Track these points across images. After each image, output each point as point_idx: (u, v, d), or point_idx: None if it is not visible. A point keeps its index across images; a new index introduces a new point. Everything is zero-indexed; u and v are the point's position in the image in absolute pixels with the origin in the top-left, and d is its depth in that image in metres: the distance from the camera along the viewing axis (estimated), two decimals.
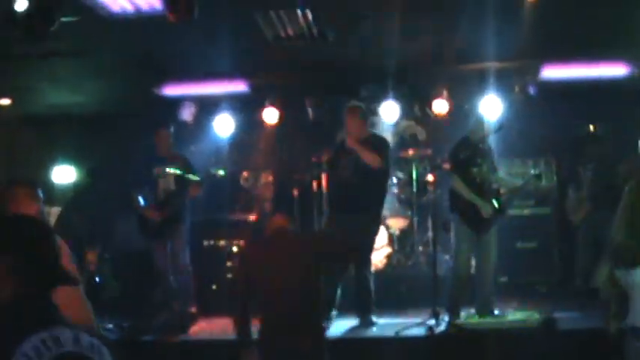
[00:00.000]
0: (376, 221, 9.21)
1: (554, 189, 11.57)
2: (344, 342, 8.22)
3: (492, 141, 9.81)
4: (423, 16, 8.87)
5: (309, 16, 8.61)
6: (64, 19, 7.89)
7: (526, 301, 9.76)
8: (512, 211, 10.97)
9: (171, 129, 9.85)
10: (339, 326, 8.77)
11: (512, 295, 10.11)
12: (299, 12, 8.47)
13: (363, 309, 8.92)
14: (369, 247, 9.06)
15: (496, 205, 8.77)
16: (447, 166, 9.37)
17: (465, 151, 8.80)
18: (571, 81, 11.29)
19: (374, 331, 8.67)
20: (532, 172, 10.42)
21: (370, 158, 8.71)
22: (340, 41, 9.55)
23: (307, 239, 7.00)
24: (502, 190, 9.09)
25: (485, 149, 8.98)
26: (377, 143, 9.08)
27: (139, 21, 8.18)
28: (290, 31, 9.11)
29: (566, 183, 10.61)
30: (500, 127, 9.37)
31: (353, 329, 8.78)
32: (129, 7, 7.87)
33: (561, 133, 11.53)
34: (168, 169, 9.35)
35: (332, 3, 8.38)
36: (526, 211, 11.15)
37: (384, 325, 8.78)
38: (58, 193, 12.35)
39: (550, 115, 11.37)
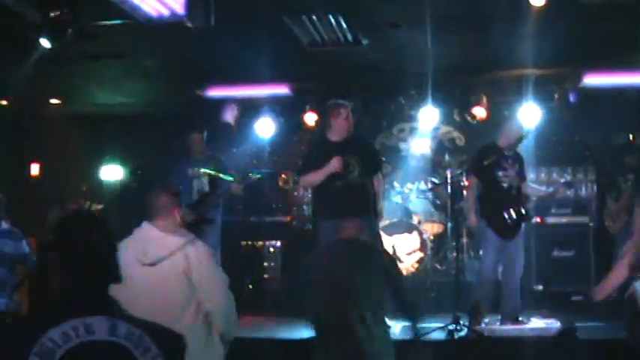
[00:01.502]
0: (375, 221, 8.89)
1: (592, 198, 11.54)
2: None
3: (528, 148, 9.87)
4: (456, 25, 8.93)
5: (343, 22, 8.75)
6: (105, 23, 8.20)
7: (559, 310, 9.71)
8: (549, 220, 11.01)
9: (204, 132, 9.97)
10: None
11: (546, 303, 10.10)
12: (332, 18, 8.62)
13: None
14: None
15: (523, 211, 8.79)
16: (464, 183, 9.49)
17: (491, 156, 8.84)
18: (612, 89, 11.22)
19: (394, 333, 8.68)
20: (562, 180, 10.39)
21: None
22: (375, 47, 9.67)
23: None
24: (530, 198, 9.10)
25: (512, 155, 8.99)
26: (365, 146, 8.88)
27: (181, 25, 8.32)
28: (325, 37, 9.26)
29: (604, 192, 10.56)
30: (527, 135, 9.37)
31: None
32: (165, 12, 8.02)
33: (601, 141, 11.50)
34: (202, 170, 9.54)
35: (364, 11, 8.47)
36: (564, 220, 11.07)
37: (406, 328, 8.81)
38: (106, 190, 12.67)
39: (590, 123, 11.35)
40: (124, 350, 2.76)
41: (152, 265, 5.13)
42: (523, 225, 9.03)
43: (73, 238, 2.93)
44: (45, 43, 7.47)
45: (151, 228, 5.31)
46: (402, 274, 7.19)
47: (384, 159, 9.58)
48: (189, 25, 7.18)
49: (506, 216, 8.67)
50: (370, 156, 8.74)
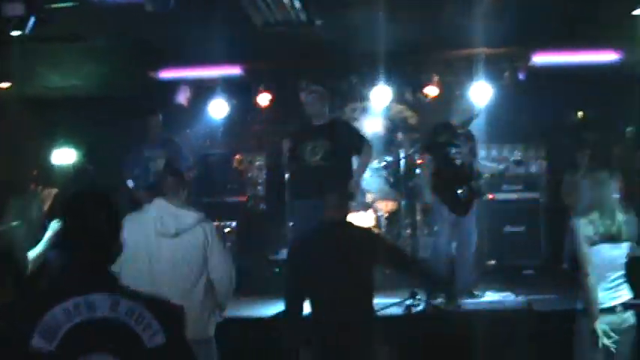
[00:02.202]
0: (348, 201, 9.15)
1: (542, 174, 11.75)
2: None
3: (480, 126, 10.02)
4: (408, 4, 9.03)
5: (296, 2, 8.79)
6: (60, 5, 8.14)
7: (513, 284, 9.89)
8: (500, 196, 11.23)
9: (160, 115, 10.01)
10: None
11: (499, 278, 10.28)
12: None
13: None
14: None
15: (475, 188, 8.94)
16: (419, 161, 9.65)
17: (445, 134, 8.98)
18: (561, 67, 11.37)
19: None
20: (512, 158, 10.55)
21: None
22: (329, 27, 9.71)
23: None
24: (482, 174, 9.25)
25: (465, 133, 9.14)
26: (340, 130, 9.15)
27: (133, 7, 8.29)
28: (278, 17, 9.29)
29: (562, 168, 10.76)
30: (478, 114, 9.51)
31: None
32: None
33: (552, 119, 11.68)
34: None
35: None
36: (514, 196, 11.28)
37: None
38: (58, 174, 12.56)
39: (540, 101, 11.49)
40: (125, 327, 2.81)
41: (174, 236, 5.81)
42: (475, 201, 9.20)
43: (86, 216, 2.96)
44: None
45: (167, 204, 5.92)
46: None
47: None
48: (149, 8, 7.16)
49: (459, 192, 8.83)
50: (345, 139, 8.97)
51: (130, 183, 9.72)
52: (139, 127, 9.97)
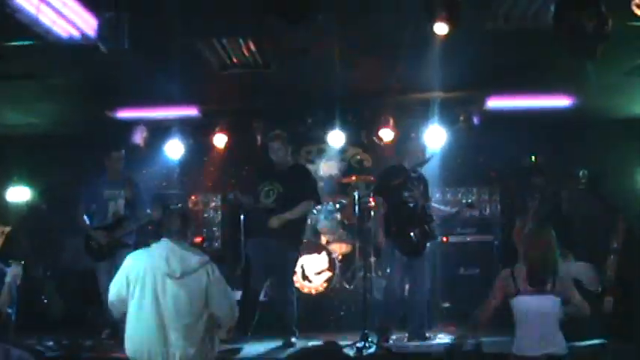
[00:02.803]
0: (296, 246, 9.39)
1: (496, 217, 11.86)
2: None
3: (435, 169, 10.13)
4: (363, 51, 9.13)
5: (252, 46, 8.88)
6: (16, 43, 8.15)
7: (466, 326, 9.92)
8: (454, 239, 11.31)
9: (123, 152, 9.99)
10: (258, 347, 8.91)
11: (453, 320, 10.32)
12: (241, 42, 8.75)
13: (284, 330, 9.08)
14: (289, 271, 9.26)
15: (428, 230, 9.03)
16: (372, 203, 9.76)
17: (397, 177, 9.08)
18: (515, 111, 11.49)
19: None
20: (464, 201, 10.66)
21: (301, 212, 9.17)
22: (284, 70, 9.80)
23: None
24: (434, 217, 9.33)
25: (418, 177, 9.24)
26: (303, 174, 9.50)
27: (89, 46, 8.30)
28: (235, 60, 9.37)
29: (512, 211, 10.86)
30: (431, 158, 9.61)
31: (274, 350, 8.86)
32: (75, 33, 8.00)
33: (506, 162, 11.81)
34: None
35: (272, 36, 8.58)
36: (469, 239, 11.35)
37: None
38: (11, 212, 12.48)
39: (494, 144, 11.62)
40: None
41: (179, 278, 6.15)
42: (428, 244, 9.27)
43: None
44: None
45: (173, 245, 6.28)
46: None
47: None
48: (102, 48, 7.20)
49: (412, 235, 8.91)
50: (300, 187, 9.20)
51: (86, 220, 9.64)
52: (98, 164, 9.91)
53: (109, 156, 9.87)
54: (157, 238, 6.58)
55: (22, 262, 7.76)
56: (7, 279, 6.50)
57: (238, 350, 8.60)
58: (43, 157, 12.14)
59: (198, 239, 11.55)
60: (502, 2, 7.66)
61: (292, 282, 9.37)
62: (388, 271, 9.47)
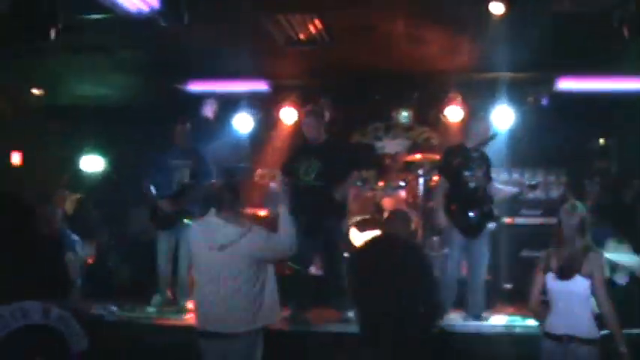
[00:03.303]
0: (341, 220, 9.47)
1: (560, 200, 11.72)
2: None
3: (501, 150, 10.07)
4: (428, 27, 9.11)
5: (317, 22, 8.93)
6: (87, 17, 8.35)
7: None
8: (519, 220, 11.20)
9: (189, 125, 10.15)
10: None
11: (515, 301, 10.27)
12: (306, 18, 8.81)
13: (339, 306, 9.08)
14: (338, 245, 9.29)
15: (487, 211, 8.98)
16: (434, 183, 9.73)
17: (458, 156, 9.04)
18: (585, 93, 11.32)
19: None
20: (527, 182, 10.52)
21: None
22: (351, 47, 9.83)
23: None
24: (496, 198, 9.27)
25: (480, 156, 9.17)
26: (336, 150, 9.31)
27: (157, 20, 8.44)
28: (302, 36, 9.44)
29: (572, 195, 10.74)
30: (493, 137, 9.53)
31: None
32: (144, 7, 8.15)
33: (574, 145, 11.66)
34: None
35: (340, 12, 8.62)
36: (533, 221, 11.25)
37: None
38: (84, 181, 12.81)
39: (563, 126, 11.47)
40: (57, 333, 2.96)
41: (220, 250, 6.41)
42: (489, 225, 9.24)
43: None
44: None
45: (218, 219, 6.57)
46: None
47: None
48: (162, 23, 7.33)
49: (471, 215, 8.87)
50: (339, 161, 9.11)
51: (153, 190, 9.84)
52: (165, 135, 10.11)
53: (176, 128, 10.05)
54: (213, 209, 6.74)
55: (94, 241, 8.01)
56: (79, 252, 6.69)
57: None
58: (115, 128, 12.38)
59: (263, 212, 11.62)
60: None
61: (342, 257, 9.33)
62: (446, 250, 9.47)
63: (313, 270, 9.51)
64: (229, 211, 6.60)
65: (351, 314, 8.91)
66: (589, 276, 6.16)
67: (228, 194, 6.65)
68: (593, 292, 6.18)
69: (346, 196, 9.09)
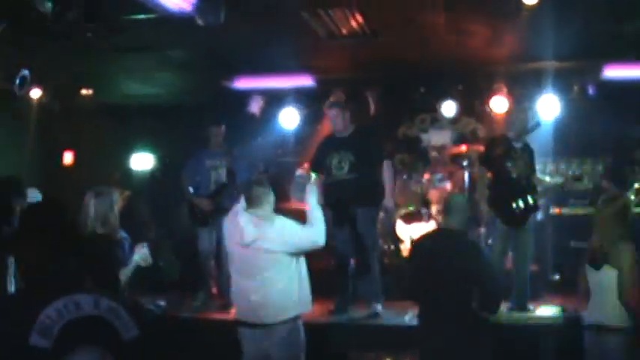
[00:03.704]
0: (376, 212, 9.49)
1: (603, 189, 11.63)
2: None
3: (547, 140, 10.04)
4: (471, 18, 9.10)
5: (359, 16, 8.97)
6: (132, 17, 8.50)
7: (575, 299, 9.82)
8: (567, 211, 11.17)
9: (223, 127, 10.29)
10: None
11: (562, 293, 10.22)
12: (347, 12, 8.85)
13: (370, 298, 9.19)
14: (373, 238, 9.35)
15: (530, 201, 8.95)
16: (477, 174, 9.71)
17: (500, 147, 9.03)
18: (633, 82, 11.20)
19: (405, 319, 8.85)
20: (571, 173, 10.48)
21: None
22: (394, 40, 9.86)
23: None
24: (540, 188, 9.25)
25: (521, 147, 9.14)
26: (364, 141, 9.31)
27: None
28: (343, 30, 9.49)
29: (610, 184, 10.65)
30: (537, 127, 9.50)
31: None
32: (186, 6, 8.25)
33: (619, 134, 11.54)
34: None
35: (379, 5, 8.64)
36: (580, 211, 11.19)
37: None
38: (135, 179, 13.03)
39: (610, 115, 11.37)
40: (107, 323, 3.10)
41: (250, 245, 6.53)
42: (535, 215, 9.24)
43: (40, 226, 3.28)
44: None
45: (246, 215, 6.66)
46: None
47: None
48: (199, 22, 7.43)
49: (514, 206, 8.86)
50: (369, 150, 9.20)
51: (191, 190, 10.01)
52: (204, 135, 10.27)
53: (210, 129, 10.25)
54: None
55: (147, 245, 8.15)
56: (135, 258, 6.82)
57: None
58: (163, 126, 12.57)
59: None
60: None
61: (374, 249, 9.41)
62: (490, 241, 9.47)
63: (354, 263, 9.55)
64: (257, 206, 6.68)
65: (380, 308, 9.03)
66: (617, 267, 6.16)
67: (256, 189, 6.72)
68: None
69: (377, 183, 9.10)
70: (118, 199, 8.15)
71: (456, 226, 6.64)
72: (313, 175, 8.86)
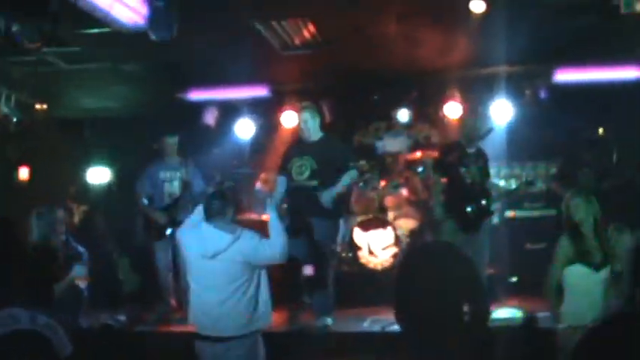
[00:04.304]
0: (334, 223, 9.29)
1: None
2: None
3: (501, 144, 10.17)
4: (422, 26, 9.19)
5: (312, 26, 9.04)
6: (87, 31, 8.50)
7: (533, 301, 9.94)
8: (521, 213, 11.31)
9: (177, 137, 10.28)
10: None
11: (521, 294, 10.33)
12: (300, 23, 8.92)
13: (320, 311, 9.03)
14: (329, 249, 9.16)
15: (484, 206, 9.07)
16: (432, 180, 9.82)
17: (454, 153, 9.15)
18: (583, 84, 11.34)
19: (364, 326, 8.95)
20: (524, 178, 10.61)
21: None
22: (347, 49, 9.92)
23: None
24: (493, 193, 9.38)
25: (474, 152, 9.27)
26: (330, 148, 9.13)
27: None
28: (297, 40, 9.55)
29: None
30: (489, 132, 9.63)
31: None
32: (140, 21, 8.26)
33: (572, 136, 11.69)
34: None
35: (331, 15, 8.71)
36: (535, 213, 11.33)
37: (376, 320, 9.06)
38: (91, 192, 12.97)
39: (562, 118, 11.52)
40: (44, 338, 3.13)
41: (212, 258, 6.54)
42: (490, 219, 9.36)
43: None
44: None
45: (207, 226, 6.68)
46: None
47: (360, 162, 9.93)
48: (153, 37, 7.45)
49: (468, 210, 8.98)
50: (333, 159, 9.00)
51: (145, 202, 10.01)
52: (158, 147, 10.27)
53: (163, 140, 10.24)
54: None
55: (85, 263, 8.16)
56: (72, 274, 6.84)
57: None
58: (119, 139, 12.54)
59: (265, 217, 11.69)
60: None
61: (330, 260, 9.23)
62: None
63: (308, 271, 9.48)
64: (218, 218, 6.68)
65: (330, 321, 8.94)
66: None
67: (217, 201, 6.74)
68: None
69: (330, 201, 8.82)
70: (62, 217, 8.18)
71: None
72: (280, 179, 8.99)
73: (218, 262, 6.55)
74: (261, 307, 6.72)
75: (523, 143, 11.72)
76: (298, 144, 9.29)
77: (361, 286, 10.53)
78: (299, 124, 9.34)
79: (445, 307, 6.28)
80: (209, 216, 6.72)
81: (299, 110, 9.49)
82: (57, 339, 3.21)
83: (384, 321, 8.71)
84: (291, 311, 9.19)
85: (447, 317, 6.25)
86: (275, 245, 6.77)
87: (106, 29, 8.23)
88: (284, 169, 9.14)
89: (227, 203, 6.78)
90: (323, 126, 9.38)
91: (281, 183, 9.05)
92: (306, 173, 8.94)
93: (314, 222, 8.85)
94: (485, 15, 8.16)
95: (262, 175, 11.05)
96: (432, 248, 7.04)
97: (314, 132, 9.15)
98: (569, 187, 9.68)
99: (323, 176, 8.87)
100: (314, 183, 8.89)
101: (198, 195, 9.69)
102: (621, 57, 10.67)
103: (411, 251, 7.47)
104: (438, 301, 6.28)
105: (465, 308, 6.35)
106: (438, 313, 6.27)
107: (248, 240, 6.66)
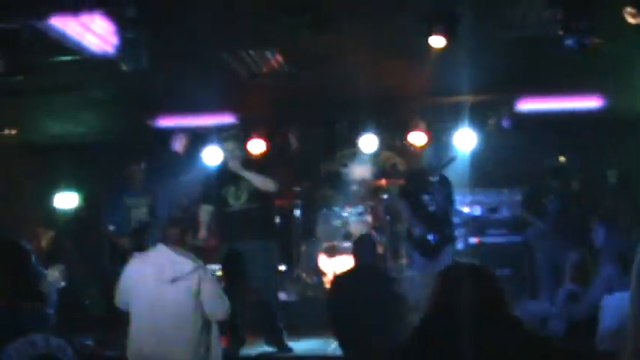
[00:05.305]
0: (274, 246, 9.11)
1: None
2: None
3: (465, 172, 10.35)
4: (391, 55, 9.33)
5: (279, 55, 9.18)
6: (55, 59, 8.58)
7: None
8: (487, 239, 11.47)
9: (142, 164, 10.39)
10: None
11: None
12: (267, 53, 9.06)
13: (270, 336, 8.94)
14: (271, 274, 9.09)
15: (446, 233, 9.24)
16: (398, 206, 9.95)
17: (415, 182, 9.32)
18: (545, 113, 11.66)
19: (329, 349, 8.86)
20: (487, 206, 10.80)
21: (261, 182, 8.84)
22: (313, 77, 10.06)
23: None
24: (458, 220, 9.55)
25: (438, 180, 9.43)
26: (260, 169, 9.07)
27: None
28: (264, 69, 9.68)
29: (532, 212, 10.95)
30: (452, 161, 9.81)
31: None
32: (109, 49, 8.35)
33: (536, 164, 11.90)
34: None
35: (298, 46, 8.84)
36: (500, 240, 11.51)
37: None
38: (59, 217, 12.98)
39: (525, 146, 11.75)
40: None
41: (171, 283, 6.41)
42: (454, 244, 9.52)
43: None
44: None
45: (167, 251, 6.58)
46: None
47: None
48: (124, 67, 7.55)
49: (430, 238, 9.14)
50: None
51: (110, 228, 10.09)
52: (124, 174, 10.38)
53: (128, 168, 10.35)
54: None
55: (61, 267, 8.18)
56: (49, 280, 6.89)
57: None
58: (87, 165, 12.59)
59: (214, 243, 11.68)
60: (508, 12, 7.82)
61: (274, 285, 9.19)
62: (409, 273, 9.72)
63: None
64: (177, 245, 6.61)
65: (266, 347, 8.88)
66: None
67: (174, 229, 6.71)
68: None
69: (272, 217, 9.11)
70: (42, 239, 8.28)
71: (368, 262, 6.93)
72: (206, 208, 8.97)
73: (177, 289, 6.40)
74: (214, 354, 6.63)
75: (487, 171, 11.89)
76: (227, 173, 9.11)
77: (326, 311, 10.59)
78: (225, 151, 9.36)
79: (371, 326, 6.51)
80: (166, 241, 6.65)
81: (223, 139, 9.44)
82: (68, 359, 3.38)
83: None
84: (230, 336, 8.85)
85: (374, 336, 6.49)
86: (225, 302, 6.67)
87: (76, 57, 8.36)
88: (217, 197, 9.05)
89: (185, 232, 6.77)
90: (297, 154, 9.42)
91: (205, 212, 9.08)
92: (243, 197, 8.87)
93: (253, 246, 8.65)
94: (446, 48, 8.28)
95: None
96: (356, 271, 7.30)
97: (241, 158, 9.09)
98: (535, 214, 9.93)
99: (260, 199, 8.86)
100: (254, 205, 8.84)
101: (165, 221, 9.72)
102: (582, 86, 10.86)
103: (337, 276, 7.63)
104: (363, 322, 6.53)
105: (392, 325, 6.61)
106: (364, 333, 6.51)
107: (209, 273, 6.67)
